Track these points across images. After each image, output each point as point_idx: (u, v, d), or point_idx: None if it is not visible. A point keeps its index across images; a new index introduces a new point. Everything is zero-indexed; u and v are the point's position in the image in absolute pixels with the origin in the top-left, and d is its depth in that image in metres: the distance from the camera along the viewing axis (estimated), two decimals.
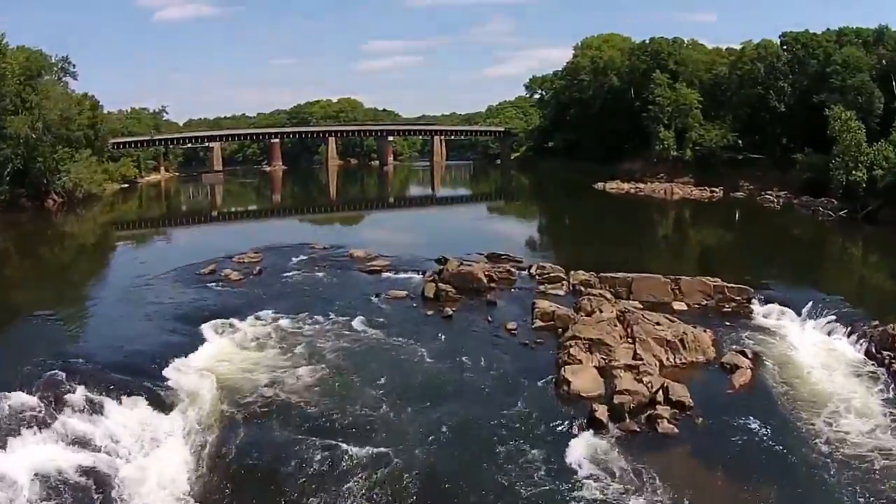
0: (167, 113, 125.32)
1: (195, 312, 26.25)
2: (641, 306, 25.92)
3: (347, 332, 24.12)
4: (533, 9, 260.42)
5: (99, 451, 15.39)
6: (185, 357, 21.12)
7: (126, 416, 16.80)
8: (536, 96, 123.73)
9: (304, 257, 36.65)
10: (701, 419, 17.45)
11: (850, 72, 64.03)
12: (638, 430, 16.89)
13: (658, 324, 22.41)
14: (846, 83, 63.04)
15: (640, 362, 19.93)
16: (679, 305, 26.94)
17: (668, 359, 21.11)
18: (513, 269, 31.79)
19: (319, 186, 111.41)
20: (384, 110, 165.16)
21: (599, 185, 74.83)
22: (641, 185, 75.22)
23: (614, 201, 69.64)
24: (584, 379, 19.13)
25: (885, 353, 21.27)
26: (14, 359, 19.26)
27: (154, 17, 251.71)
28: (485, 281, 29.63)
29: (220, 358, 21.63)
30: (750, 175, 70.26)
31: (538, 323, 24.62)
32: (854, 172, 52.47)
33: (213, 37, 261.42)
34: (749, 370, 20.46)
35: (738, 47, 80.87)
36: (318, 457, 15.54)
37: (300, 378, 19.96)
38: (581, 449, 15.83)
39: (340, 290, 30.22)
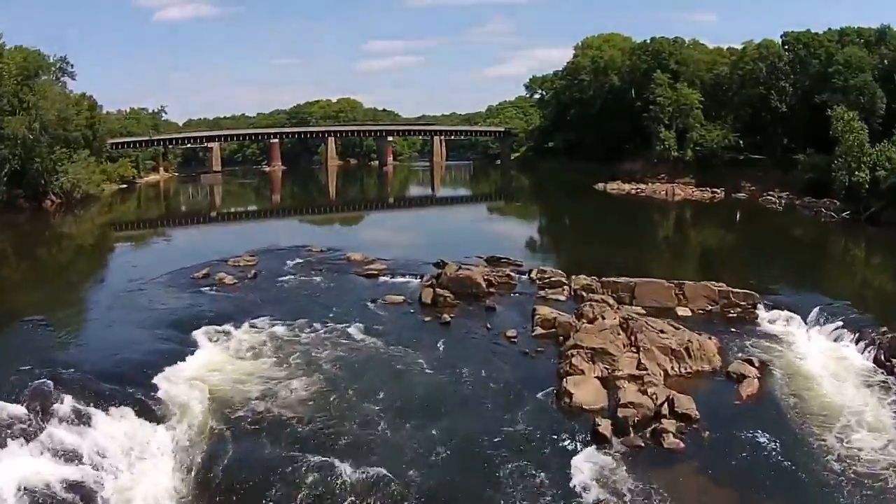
0: (166, 113, 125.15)
1: (187, 318, 25.65)
2: (645, 312, 25.42)
3: (343, 341, 23.50)
4: (533, 9, 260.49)
5: (85, 464, 15.02)
6: (176, 365, 20.62)
7: (114, 428, 16.39)
8: (536, 96, 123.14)
9: (301, 260, 36.07)
10: (708, 433, 16.87)
11: (853, 72, 63.78)
12: (643, 445, 16.30)
13: (662, 331, 21.83)
14: (848, 83, 62.80)
15: (645, 372, 19.41)
16: (683, 311, 26.40)
17: (672, 368, 20.55)
18: (512, 274, 31.27)
19: (319, 187, 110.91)
20: (384, 110, 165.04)
21: (600, 185, 74.36)
22: (642, 186, 74.76)
23: (615, 202, 69.18)
24: (586, 391, 18.52)
25: (894, 360, 20.76)
26: (2, 366, 18.85)
27: (154, 17, 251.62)
28: (484, 286, 29.07)
29: (211, 367, 21.02)
30: (751, 176, 69.86)
31: (538, 330, 23.99)
32: (857, 173, 52.12)
33: (213, 37, 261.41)
34: (756, 380, 19.90)
35: (740, 47, 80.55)
36: (311, 478, 14.87)
37: (294, 391, 19.33)
38: (584, 466, 15.24)
39: (336, 295, 29.65)
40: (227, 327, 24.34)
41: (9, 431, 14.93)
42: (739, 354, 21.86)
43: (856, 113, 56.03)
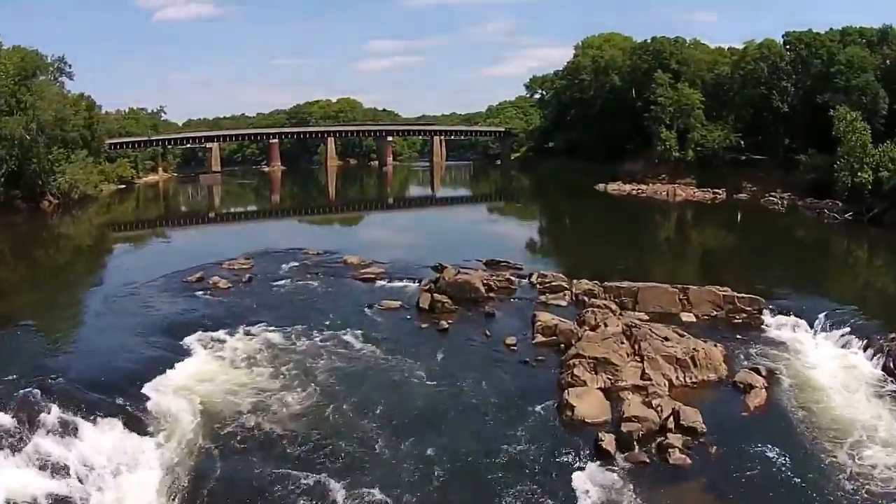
0: (165, 113, 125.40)
1: (179, 324, 25.14)
2: (648, 318, 24.91)
3: (338, 349, 22.83)
4: (533, 9, 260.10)
5: (72, 477, 14.74)
6: (166, 374, 20.21)
7: (100, 440, 16.08)
8: (537, 96, 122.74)
9: (297, 264, 35.50)
10: (715, 448, 16.25)
11: (855, 72, 63.45)
12: (648, 460, 15.69)
13: (667, 339, 21.23)
14: (850, 83, 62.46)
15: (649, 383, 18.83)
16: (687, 317, 25.83)
17: (677, 378, 19.94)
18: (512, 278, 30.71)
19: (318, 187, 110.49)
20: (384, 110, 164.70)
21: (601, 186, 73.94)
22: (643, 187, 74.31)
23: (616, 203, 68.76)
24: (589, 403, 17.87)
25: None
26: None
27: (154, 18, 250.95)
28: (483, 290, 28.48)
29: (202, 377, 20.44)
30: (753, 176, 69.35)
31: (539, 338, 23.35)
32: (859, 174, 51.82)
33: (213, 37, 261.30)
34: (763, 390, 19.32)
35: (741, 47, 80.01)
36: (302, 501, 14.28)
37: (287, 404, 18.68)
38: (587, 485, 14.64)
39: (332, 301, 29.05)
40: (219, 334, 23.83)
41: None
42: (746, 363, 21.30)
43: (858, 113, 55.62)
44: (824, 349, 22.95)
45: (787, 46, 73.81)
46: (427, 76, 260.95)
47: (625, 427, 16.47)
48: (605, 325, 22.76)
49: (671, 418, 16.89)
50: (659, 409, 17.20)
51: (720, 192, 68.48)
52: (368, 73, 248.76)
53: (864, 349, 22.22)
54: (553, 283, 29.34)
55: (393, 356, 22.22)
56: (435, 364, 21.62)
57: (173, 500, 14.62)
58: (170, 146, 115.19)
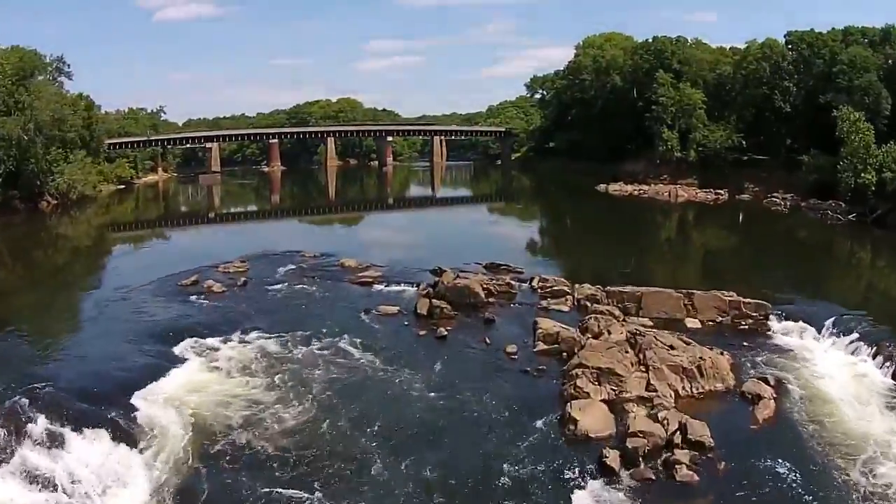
0: (165, 113, 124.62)
1: (171, 330, 24.58)
2: (652, 324, 24.49)
3: (334, 359, 22.21)
4: (533, 9, 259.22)
5: (58, 491, 14.46)
6: (157, 383, 19.80)
7: (88, 452, 15.70)
8: (537, 96, 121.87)
9: (293, 267, 34.96)
10: (723, 463, 15.66)
11: (857, 72, 63.02)
12: (654, 477, 15.08)
13: (672, 347, 20.65)
14: (853, 83, 62.06)
15: (655, 394, 18.23)
16: (692, 323, 25.32)
17: (684, 388, 19.36)
18: (513, 282, 29.97)
19: (318, 187, 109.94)
20: (384, 110, 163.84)
21: (602, 186, 73.41)
22: (645, 187, 73.76)
23: (617, 204, 68.23)
24: (592, 416, 17.22)
25: None
26: None
27: (154, 18, 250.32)
28: (482, 295, 27.88)
29: (193, 387, 19.89)
30: (755, 177, 68.82)
31: (541, 346, 22.71)
32: (863, 175, 51.53)
33: (213, 37, 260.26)
34: (772, 401, 18.77)
35: (743, 46, 79.39)
36: None
37: (280, 418, 18.07)
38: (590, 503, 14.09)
39: (329, 306, 28.49)
40: (212, 341, 23.32)
41: None
42: (753, 372, 20.76)
43: (861, 113, 55.13)
44: (833, 357, 22.41)
45: (790, 46, 73.26)
46: (427, 76, 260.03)
47: (630, 443, 15.85)
48: (609, 333, 22.19)
49: (678, 432, 16.27)
50: (665, 422, 16.60)
51: (722, 192, 67.93)
52: (368, 72, 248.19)
53: (874, 356, 21.69)
54: (554, 288, 28.77)
55: (390, 366, 21.59)
56: (433, 375, 20.97)
57: None
58: (169, 146, 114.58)
